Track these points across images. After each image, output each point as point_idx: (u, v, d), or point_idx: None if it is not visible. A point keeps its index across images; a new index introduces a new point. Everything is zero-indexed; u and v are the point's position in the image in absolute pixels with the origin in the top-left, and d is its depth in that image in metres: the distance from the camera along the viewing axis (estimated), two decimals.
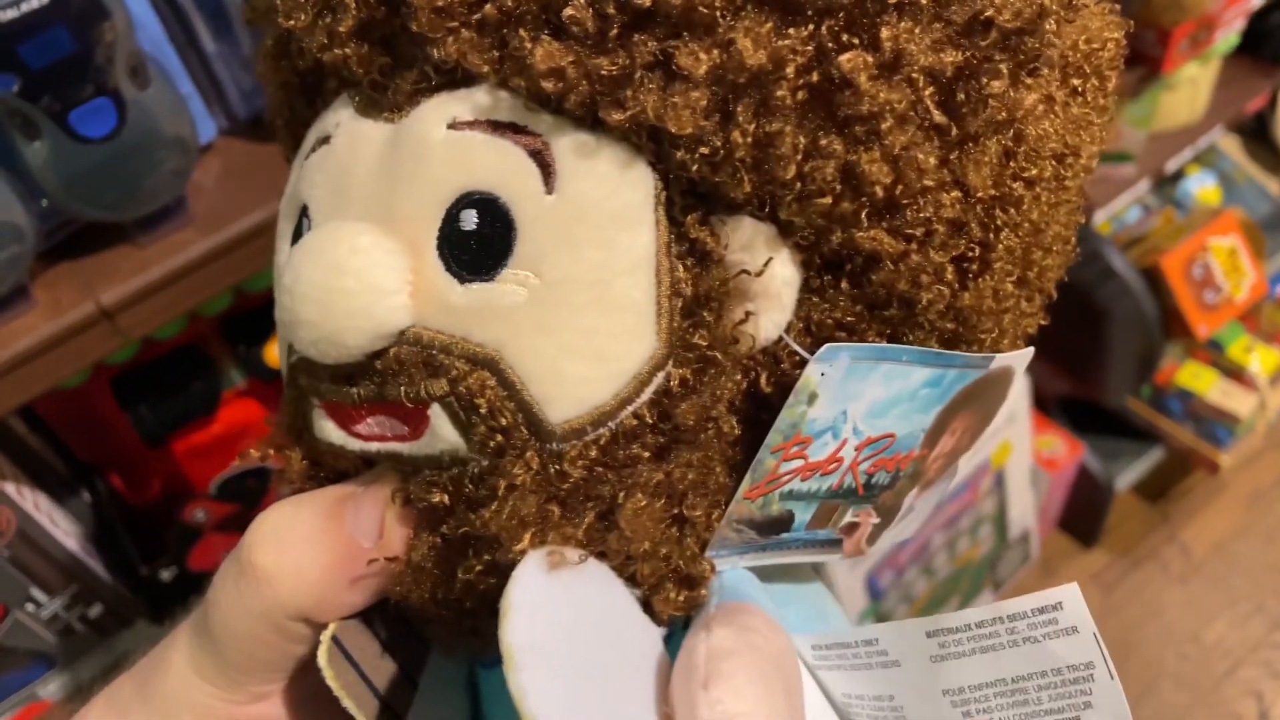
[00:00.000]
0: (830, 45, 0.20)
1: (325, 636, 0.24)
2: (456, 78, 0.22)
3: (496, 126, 0.22)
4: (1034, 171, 0.23)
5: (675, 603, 0.24)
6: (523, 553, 0.21)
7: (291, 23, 0.24)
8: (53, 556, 0.77)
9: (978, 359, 0.25)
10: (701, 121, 0.21)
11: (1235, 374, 1.27)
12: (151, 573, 0.84)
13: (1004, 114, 0.22)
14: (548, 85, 0.21)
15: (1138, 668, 1.27)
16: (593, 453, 0.22)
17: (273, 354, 0.78)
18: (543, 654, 0.19)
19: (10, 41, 0.50)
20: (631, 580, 0.23)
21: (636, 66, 0.21)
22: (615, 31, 0.21)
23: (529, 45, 0.21)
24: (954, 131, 0.22)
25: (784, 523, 0.26)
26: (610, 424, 0.22)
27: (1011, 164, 0.23)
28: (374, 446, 0.24)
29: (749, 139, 0.21)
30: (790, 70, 0.20)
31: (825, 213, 0.22)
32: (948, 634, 0.24)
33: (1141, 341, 1.17)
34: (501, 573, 0.22)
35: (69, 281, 0.61)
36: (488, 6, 0.21)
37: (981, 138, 0.22)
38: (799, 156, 0.21)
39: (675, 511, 0.23)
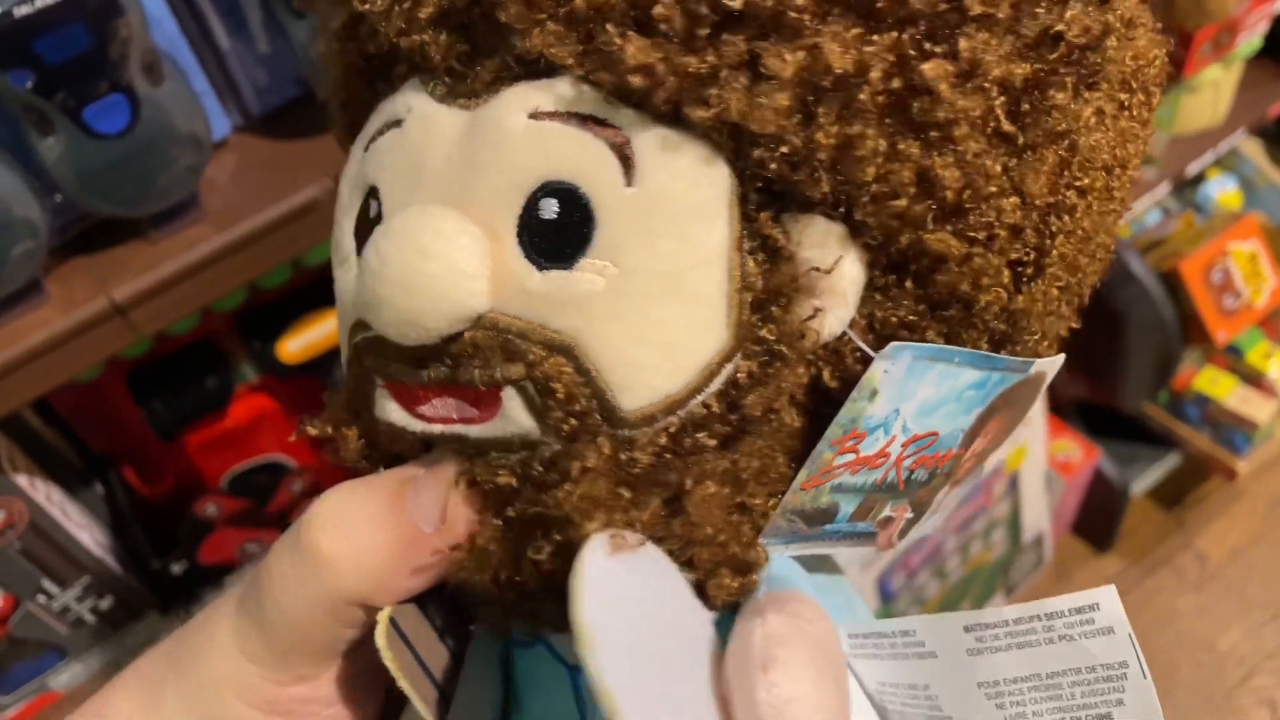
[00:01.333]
0: (912, 53, 0.21)
1: (383, 619, 0.24)
2: (537, 68, 0.23)
3: (577, 118, 0.22)
4: (1086, 181, 0.24)
5: (729, 589, 0.24)
6: (591, 533, 0.22)
7: (367, 6, 0.24)
8: (65, 549, 0.78)
9: (1019, 363, 0.26)
10: (784, 122, 0.21)
11: (1254, 380, 1.26)
12: (163, 566, 0.84)
13: (1063, 125, 0.23)
14: (635, 81, 0.21)
15: (1152, 674, 1.26)
16: (662, 440, 0.23)
17: (285, 349, 0.78)
18: (614, 633, 0.20)
19: (26, 37, 0.50)
20: (686, 565, 0.24)
21: (723, 65, 0.21)
22: (704, 31, 0.21)
23: (618, 41, 0.21)
24: (1019, 140, 0.23)
25: (829, 514, 0.26)
26: (680, 412, 0.23)
27: (1066, 173, 0.24)
28: (437, 429, 0.24)
29: (831, 140, 0.22)
30: (875, 75, 0.21)
31: (899, 214, 0.23)
32: (985, 629, 0.24)
33: (1159, 346, 1.17)
34: (569, 554, 0.22)
35: (82, 276, 0.61)
36: (577, 1, 0.21)
37: (1040, 147, 0.23)
38: (878, 159, 0.22)
39: (738, 500, 0.24)
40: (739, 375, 0.23)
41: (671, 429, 0.23)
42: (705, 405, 0.23)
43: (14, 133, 0.55)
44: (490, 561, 0.24)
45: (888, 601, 1.16)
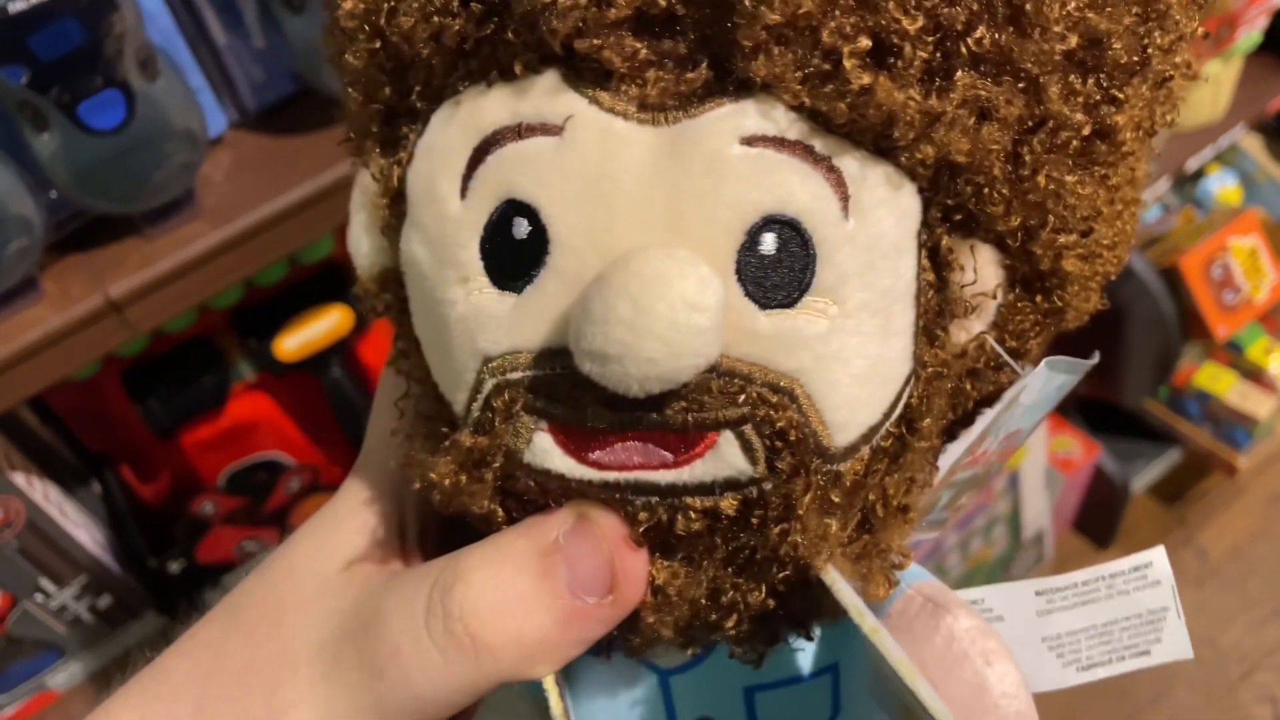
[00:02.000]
0: (1099, 99, 0.23)
1: (552, 690, 0.24)
2: (744, 86, 0.21)
3: (790, 145, 0.21)
4: (1137, 196, 0.27)
5: (884, 589, 0.25)
6: (823, 569, 0.23)
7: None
8: (62, 547, 0.78)
9: (1083, 365, 0.27)
10: (1001, 161, 0.22)
11: (1254, 375, 1.26)
12: (160, 564, 0.84)
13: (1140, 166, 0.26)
14: (874, 116, 0.21)
15: (1151, 670, 1.25)
16: (858, 468, 0.23)
17: (282, 347, 0.78)
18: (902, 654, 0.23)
19: (20, 33, 0.50)
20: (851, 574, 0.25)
21: (955, 105, 0.21)
22: (942, 72, 0.21)
23: (866, 79, 0.20)
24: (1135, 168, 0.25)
25: (933, 507, 0.28)
26: (874, 440, 0.23)
27: (1132, 194, 0.27)
28: (613, 475, 0.22)
29: (1041, 180, 0.22)
30: (1079, 118, 0.22)
31: (1064, 245, 0.24)
32: (1054, 592, 0.28)
33: (1159, 342, 1.16)
34: (792, 589, 0.23)
35: (78, 274, 0.61)
36: (824, 31, 0.20)
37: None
38: (1072, 198, 0.23)
39: (908, 513, 0.25)
40: (911, 399, 0.24)
41: (865, 456, 0.23)
42: (889, 431, 0.24)
43: (8, 129, 0.55)
44: (683, 611, 0.24)
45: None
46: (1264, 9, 0.96)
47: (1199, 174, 1.26)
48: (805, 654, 0.28)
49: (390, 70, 0.24)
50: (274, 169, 0.64)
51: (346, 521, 0.27)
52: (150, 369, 0.81)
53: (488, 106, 0.22)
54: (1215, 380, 1.26)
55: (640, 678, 0.28)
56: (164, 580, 0.85)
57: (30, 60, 0.51)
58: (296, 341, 0.78)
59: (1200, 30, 0.25)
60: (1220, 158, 1.25)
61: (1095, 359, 0.28)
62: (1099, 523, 1.37)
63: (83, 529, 0.81)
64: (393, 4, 0.23)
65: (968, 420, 0.27)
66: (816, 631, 0.27)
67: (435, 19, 0.22)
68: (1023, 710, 0.23)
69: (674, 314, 0.19)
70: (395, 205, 0.24)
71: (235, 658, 0.25)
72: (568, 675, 0.28)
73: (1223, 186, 1.25)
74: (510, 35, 0.22)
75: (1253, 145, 1.30)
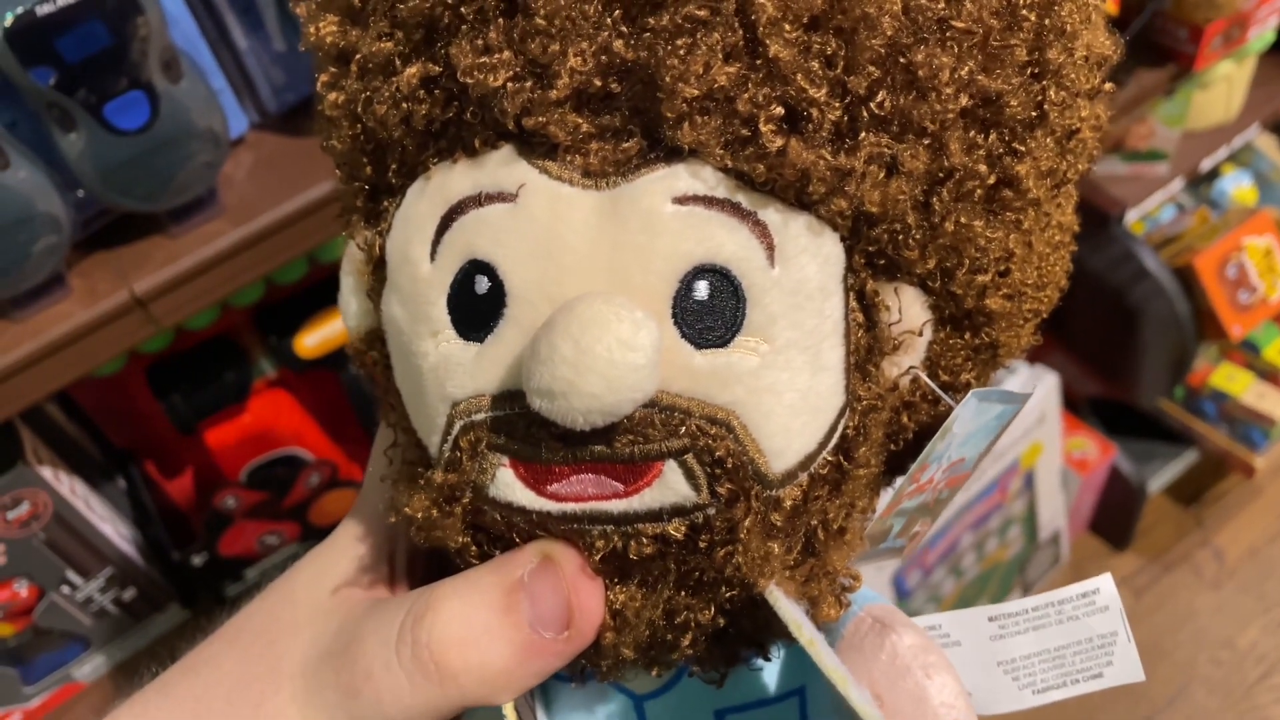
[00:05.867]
0: (1001, 151, 0.25)
1: (510, 714, 0.25)
2: (673, 152, 0.24)
3: (718, 203, 0.23)
4: (1067, 240, 0.30)
5: (835, 610, 0.27)
6: (766, 588, 0.25)
7: (486, 81, 0.23)
8: (88, 540, 0.79)
9: (1022, 396, 0.29)
10: (910, 210, 0.24)
11: (1271, 376, 1.26)
12: (183, 558, 0.85)
13: (1065, 211, 0.29)
14: (789, 175, 0.23)
15: (1168, 671, 1.25)
16: (797, 494, 0.25)
17: (302, 344, 0.80)
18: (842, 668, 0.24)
19: (48, 35, 0.52)
20: (799, 596, 0.26)
21: (863, 162, 0.23)
22: (850, 132, 0.23)
23: (779, 142, 0.23)
24: (1048, 211, 0.28)
25: (886, 534, 0.30)
26: (811, 468, 0.25)
27: (1059, 237, 0.29)
28: (570, 506, 0.24)
29: (952, 226, 0.25)
30: (982, 169, 0.24)
31: (982, 285, 0.27)
32: (1007, 618, 0.29)
33: (1174, 342, 1.16)
34: (737, 608, 0.25)
35: (104, 271, 0.63)
36: (739, 102, 0.22)
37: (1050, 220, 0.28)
38: (981, 240, 0.25)
39: (846, 535, 0.27)
40: (847, 430, 0.26)
41: (804, 483, 0.25)
42: (826, 459, 0.26)
43: (37, 129, 0.57)
44: (640, 632, 0.26)
45: (904, 599, 1.16)
46: (1275, 9, 0.96)
47: (1214, 174, 1.26)
48: (771, 676, 0.30)
49: (370, 152, 0.27)
50: (294, 169, 0.65)
51: (342, 554, 0.29)
52: (173, 366, 0.82)
53: (453, 179, 0.25)
54: (1231, 380, 1.26)
55: (615, 703, 0.29)
56: (187, 573, 0.86)
57: (58, 62, 0.53)
58: (316, 339, 0.80)
59: (1106, 85, 0.27)
60: (1235, 158, 1.25)
61: (1030, 392, 0.30)
62: (1115, 524, 1.36)
63: (108, 523, 0.83)
64: (368, 94, 0.25)
65: (915, 451, 0.28)
66: (777, 652, 0.29)
67: (404, 105, 0.25)
68: (960, 718, 0.25)
69: (611, 353, 0.21)
70: (378, 271, 0.27)
71: (230, 674, 0.27)
72: (545, 701, 0.30)
73: (1238, 186, 1.25)
74: (469, 116, 0.24)
75: (1268, 145, 1.29)
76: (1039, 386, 1.12)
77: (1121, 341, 1.20)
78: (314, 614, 0.28)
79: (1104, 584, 0.29)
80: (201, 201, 0.63)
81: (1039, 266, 0.28)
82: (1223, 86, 1.06)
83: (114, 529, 0.83)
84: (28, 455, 0.74)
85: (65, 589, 0.81)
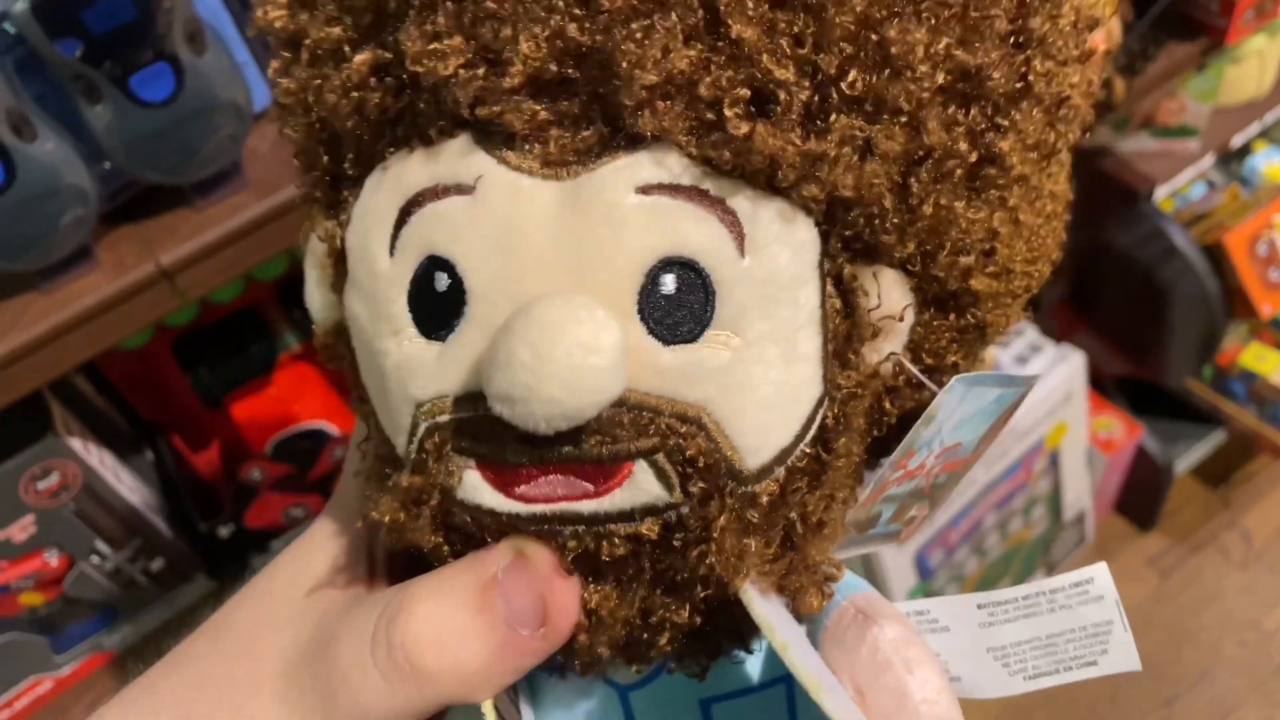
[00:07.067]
0: (983, 128, 0.24)
1: (489, 711, 0.25)
2: (635, 139, 0.23)
3: (684, 191, 0.23)
4: (1057, 224, 0.29)
5: (818, 602, 0.26)
6: (741, 587, 0.24)
7: (437, 70, 0.22)
8: (116, 511, 0.81)
9: (1026, 379, 0.28)
10: (888, 193, 0.23)
11: None
12: (210, 529, 0.86)
13: (1059, 185, 0.28)
14: (757, 161, 0.22)
15: (1193, 653, 1.25)
16: (774, 488, 0.24)
17: None
18: (820, 670, 0.23)
19: (73, 7, 0.52)
20: (779, 589, 0.26)
21: (835, 145, 0.22)
22: (821, 114, 0.22)
23: (745, 127, 0.22)
24: (1037, 185, 0.26)
25: (874, 520, 0.29)
26: (788, 461, 0.24)
27: (1047, 217, 0.28)
28: (539, 508, 0.24)
29: (930, 210, 0.24)
30: (963, 147, 0.23)
31: (966, 267, 0.25)
32: (996, 606, 0.29)
33: (1203, 321, 1.15)
34: (713, 607, 0.25)
35: (130, 243, 0.63)
36: (700, 87, 0.22)
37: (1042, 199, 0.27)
38: (963, 223, 0.24)
39: (825, 528, 0.26)
40: (827, 420, 0.25)
41: (781, 477, 0.24)
42: (804, 451, 0.25)
43: (63, 102, 0.57)
44: (616, 631, 0.25)
45: (926, 578, 1.15)
46: None
47: (1245, 150, 1.24)
48: (757, 664, 0.29)
49: (325, 141, 0.26)
50: None
51: (319, 550, 0.29)
52: (199, 339, 0.83)
53: (409, 171, 0.24)
54: (1261, 360, 1.24)
55: (600, 695, 0.29)
56: (214, 544, 0.87)
57: (84, 34, 0.53)
58: None
59: (1100, 49, 0.26)
60: (1266, 134, 1.23)
61: (1034, 375, 0.29)
62: (1141, 505, 1.36)
63: (136, 494, 0.84)
64: (319, 82, 0.24)
65: (900, 436, 0.27)
66: (759, 644, 0.28)
67: (355, 94, 0.24)
68: (943, 715, 0.25)
69: (571, 358, 0.21)
70: (340, 264, 0.26)
71: (213, 675, 0.27)
72: (530, 694, 0.29)
73: (1269, 163, 1.23)
74: (423, 105, 0.23)
75: None
76: (1065, 365, 1.11)
77: (1149, 320, 1.19)
78: (292, 614, 0.28)
79: (1098, 573, 0.28)
80: (226, 174, 0.63)
81: (1028, 240, 0.27)
82: (1255, 61, 1.05)
83: (142, 500, 0.84)
84: (57, 426, 0.75)
85: (95, 559, 0.82)
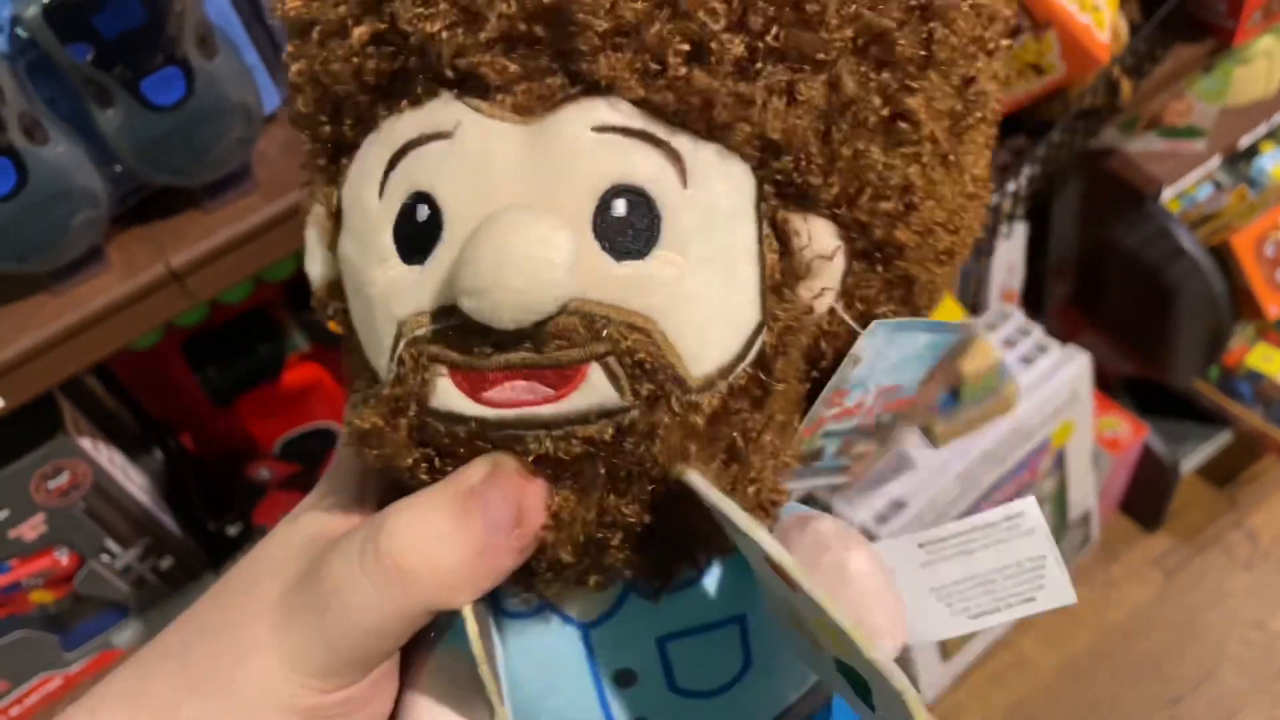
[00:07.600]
0: (895, 88, 0.27)
1: (470, 618, 0.27)
2: (591, 87, 0.26)
3: (634, 133, 0.26)
4: (975, 189, 0.31)
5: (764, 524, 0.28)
6: (684, 474, 0.26)
7: (424, 27, 0.26)
8: (126, 509, 0.81)
9: (961, 325, 0.31)
10: (811, 138, 0.26)
11: None
12: (218, 528, 0.87)
13: (970, 151, 0.30)
14: (695, 102, 0.25)
15: (1199, 652, 1.25)
16: (716, 401, 0.27)
17: None
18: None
19: (85, 11, 0.53)
20: None
21: (767, 92, 0.26)
22: (751, 65, 0.26)
23: (684, 72, 0.25)
24: (950, 156, 0.30)
25: (819, 454, 0.32)
26: (730, 378, 0.27)
27: (967, 179, 0.31)
28: (507, 412, 0.26)
29: (849, 152, 0.27)
30: (876, 101, 0.27)
31: (886, 213, 0.28)
32: (936, 543, 0.31)
33: (1210, 321, 1.15)
34: (659, 502, 0.27)
35: (141, 245, 0.64)
36: (646, 36, 0.25)
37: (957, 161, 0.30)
38: (879, 168, 0.27)
39: (766, 444, 0.29)
40: (766, 347, 0.28)
41: (723, 392, 0.27)
42: (745, 372, 0.27)
43: (75, 105, 0.58)
44: (576, 531, 0.27)
45: None
46: None
47: (1252, 151, 1.24)
48: (711, 602, 0.31)
49: (330, 111, 0.29)
50: None
51: (318, 504, 0.31)
52: (209, 340, 0.84)
53: (399, 126, 0.27)
54: (1267, 361, 1.24)
55: (562, 634, 0.31)
56: (222, 543, 0.88)
57: (95, 38, 0.54)
58: None
59: (1003, 42, 0.30)
60: (1274, 135, 1.23)
61: (970, 323, 0.31)
62: (1147, 504, 1.36)
63: (146, 493, 0.84)
64: (326, 56, 0.28)
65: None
66: (712, 569, 0.30)
67: (354, 60, 0.27)
68: (878, 584, 0.28)
69: (529, 248, 0.24)
70: (336, 221, 0.29)
71: (214, 618, 0.29)
72: (501, 637, 0.31)
73: (1277, 164, 1.23)
74: (411, 64, 0.27)
75: None
76: (1071, 365, 1.11)
77: (1156, 320, 1.19)
78: (290, 556, 0.29)
79: (1028, 507, 0.30)
80: (236, 176, 0.63)
81: (948, 209, 0.30)
82: (1263, 62, 1.05)
83: (151, 499, 0.85)
84: (68, 426, 0.75)
85: (105, 557, 0.82)
